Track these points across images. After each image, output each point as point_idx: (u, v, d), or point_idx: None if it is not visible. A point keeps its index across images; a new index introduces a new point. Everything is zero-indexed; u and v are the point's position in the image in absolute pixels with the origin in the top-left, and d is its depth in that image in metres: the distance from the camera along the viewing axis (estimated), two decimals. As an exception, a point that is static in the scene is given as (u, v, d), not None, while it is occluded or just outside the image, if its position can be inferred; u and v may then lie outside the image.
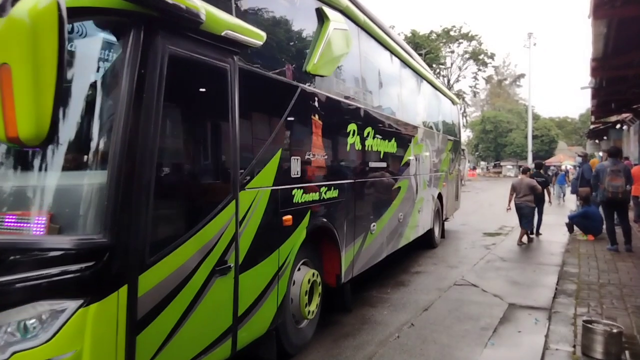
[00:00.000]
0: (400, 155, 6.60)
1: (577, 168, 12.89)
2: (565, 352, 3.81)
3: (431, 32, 51.16)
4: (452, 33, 51.81)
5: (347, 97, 4.88)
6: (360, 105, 5.17)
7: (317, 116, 4.12)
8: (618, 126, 19.39)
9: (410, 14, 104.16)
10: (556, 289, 5.74)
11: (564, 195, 19.34)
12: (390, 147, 6.08)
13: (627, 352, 3.72)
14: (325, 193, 4.24)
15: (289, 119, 3.68)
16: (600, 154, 26.70)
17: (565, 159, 45.12)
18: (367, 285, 5.95)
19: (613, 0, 6.15)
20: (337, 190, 4.46)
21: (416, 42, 48.11)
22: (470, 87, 57.29)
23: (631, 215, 9.66)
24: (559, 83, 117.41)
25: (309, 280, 4.02)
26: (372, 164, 5.48)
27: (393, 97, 6.68)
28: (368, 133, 5.29)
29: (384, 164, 5.89)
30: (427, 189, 8.03)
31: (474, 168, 45.29)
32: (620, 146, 17.76)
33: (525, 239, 9.26)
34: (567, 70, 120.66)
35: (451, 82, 54.78)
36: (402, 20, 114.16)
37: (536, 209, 9.54)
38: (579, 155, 15.05)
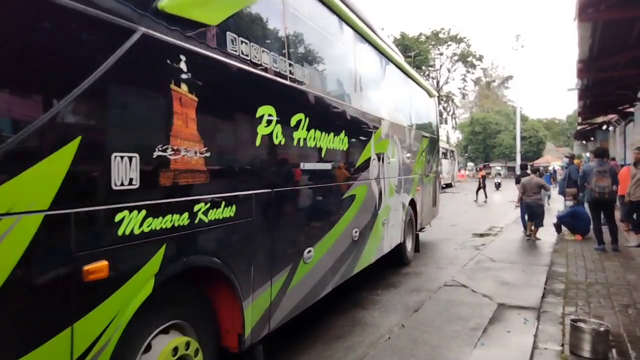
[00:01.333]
0: (355, 154, 5.06)
1: (565, 169, 13.04)
2: (554, 351, 3.85)
3: (420, 34, 51.50)
4: (440, 35, 52.20)
5: (254, 65, 3.10)
6: (282, 80, 3.47)
7: (185, 87, 2.44)
8: (604, 127, 19.68)
9: (399, 17, 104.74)
10: (545, 288, 5.80)
11: (549, 197, 19.51)
12: (339, 143, 4.50)
13: (614, 351, 3.77)
14: (205, 212, 2.61)
15: (105, 82, 1.98)
16: (588, 154, 27.08)
17: (553, 160, 45.69)
18: (358, 286, 5.95)
19: (598, 4, 6.25)
20: (233, 207, 2.85)
21: (405, 44, 48.40)
22: (459, 88, 57.70)
23: (618, 215, 9.78)
24: (547, 84, 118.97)
25: (174, 353, 2.44)
26: (307, 166, 3.91)
27: (344, 78, 5.02)
28: (298, 122, 3.68)
29: (326, 166, 4.29)
30: (395, 196, 6.54)
31: (460, 170, 45.52)
32: (607, 147, 18.03)
33: (531, 234, 9.85)
34: (555, 72, 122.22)
35: (440, 84, 55.14)
36: (391, 22, 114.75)
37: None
38: (566, 157, 15.23)
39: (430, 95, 9.38)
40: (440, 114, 52.40)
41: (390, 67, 6.65)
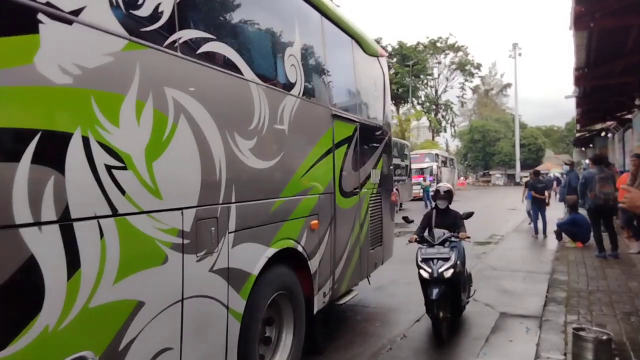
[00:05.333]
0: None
1: (565, 176, 13.07)
2: (557, 360, 3.83)
3: (418, 43, 51.88)
4: (438, 44, 52.60)
5: None
6: None
7: None
8: (603, 134, 19.72)
9: (397, 26, 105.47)
10: (546, 296, 5.78)
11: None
12: None
13: (616, 359, 3.75)
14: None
15: None
16: (587, 161, 27.13)
17: (553, 167, 45.73)
18: (359, 295, 5.93)
19: (593, 12, 6.32)
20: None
21: (403, 53, 48.70)
22: (458, 97, 58.05)
23: (617, 222, 9.78)
24: (545, 92, 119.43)
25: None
26: None
27: None
28: None
29: None
30: (203, 264, 2.58)
31: (460, 177, 45.62)
32: (606, 153, 18.07)
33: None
34: (553, 80, 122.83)
35: (439, 92, 55.43)
36: (389, 32, 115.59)
37: (539, 213, 11.15)
38: (566, 163, 15.26)
39: (369, 52, 5.57)
40: (440, 123, 52.60)
41: None
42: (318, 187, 3.97)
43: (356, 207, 4.85)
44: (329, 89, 4.47)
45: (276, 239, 3.30)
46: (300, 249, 3.64)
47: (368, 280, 5.41)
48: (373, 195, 5.42)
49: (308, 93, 3.93)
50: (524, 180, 16.54)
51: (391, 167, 6.35)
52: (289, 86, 3.59)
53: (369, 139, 5.42)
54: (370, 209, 5.30)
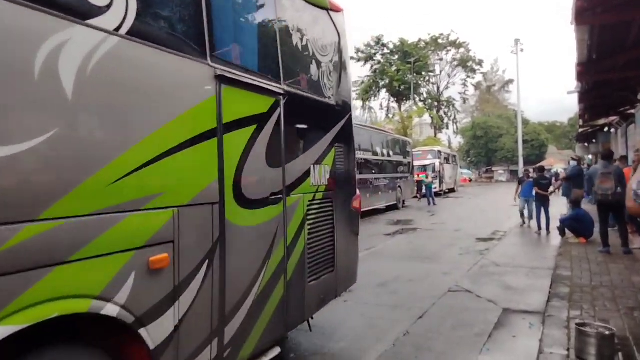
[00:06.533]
0: None
1: (585, 170, 12.94)
2: (560, 355, 3.83)
3: (419, 40, 51.76)
4: (440, 41, 52.42)
5: None
6: None
7: None
8: (606, 129, 19.65)
9: (398, 23, 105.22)
10: (550, 292, 5.77)
11: None
12: None
13: (620, 354, 3.75)
14: None
15: None
16: (590, 156, 27.04)
17: (556, 163, 45.58)
18: (361, 293, 5.94)
19: (594, 7, 6.30)
20: None
21: (405, 50, 48.64)
22: (460, 93, 57.86)
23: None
24: (547, 88, 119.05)
25: None
26: None
27: None
28: None
29: None
30: None
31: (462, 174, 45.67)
32: (609, 148, 17.99)
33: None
34: (555, 75, 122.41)
35: (441, 89, 55.29)
36: (391, 29, 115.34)
37: (542, 208, 11.18)
38: (573, 159, 15.19)
39: (321, 5, 4.20)
40: (442, 119, 52.48)
41: None
42: (173, 194, 2.35)
43: (274, 222, 3.25)
44: (211, 33, 2.66)
45: (24, 302, 1.67)
46: (112, 310, 1.99)
47: (309, 325, 4.03)
48: (315, 202, 3.82)
49: (148, 31, 2.27)
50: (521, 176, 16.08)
51: (354, 163, 4.71)
52: (87, 10, 1.95)
53: (309, 121, 3.86)
54: (309, 222, 3.72)
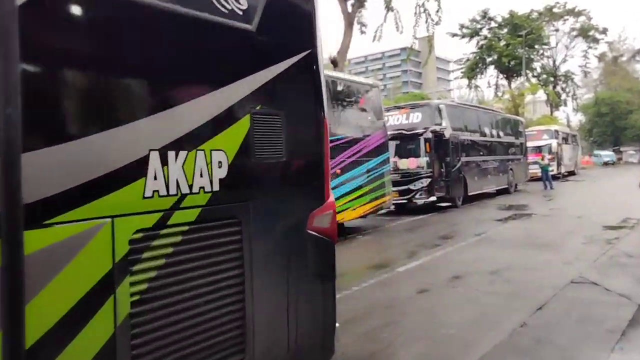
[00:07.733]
0: None
1: None
2: None
3: (532, 10, 47.53)
4: (555, 10, 47.69)
5: None
6: None
7: None
8: None
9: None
10: (699, 288, 5.02)
11: None
12: None
13: None
14: None
15: None
16: None
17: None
18: (471, 279, 5.70)
19: None
20: None
21: (515, 23, 45.14)
22: (580, 66, 52.10)
23: None
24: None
25: None
26: None
27: None
28: None
29: None
30: None
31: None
32: None
33: None
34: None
35: (557, 62, 50.50)
36: (499, 2, 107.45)
37: None
38: None
39: None
40: (559, 96, 48.10)
41: None
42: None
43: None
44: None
45: None
46: None
47: None
48: (170, 232, 1.80)
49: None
50: None
51: (321, 144, 2.61)
52: None
53: (142, 46, 1.77)
54: (143, 281, 1.69)
